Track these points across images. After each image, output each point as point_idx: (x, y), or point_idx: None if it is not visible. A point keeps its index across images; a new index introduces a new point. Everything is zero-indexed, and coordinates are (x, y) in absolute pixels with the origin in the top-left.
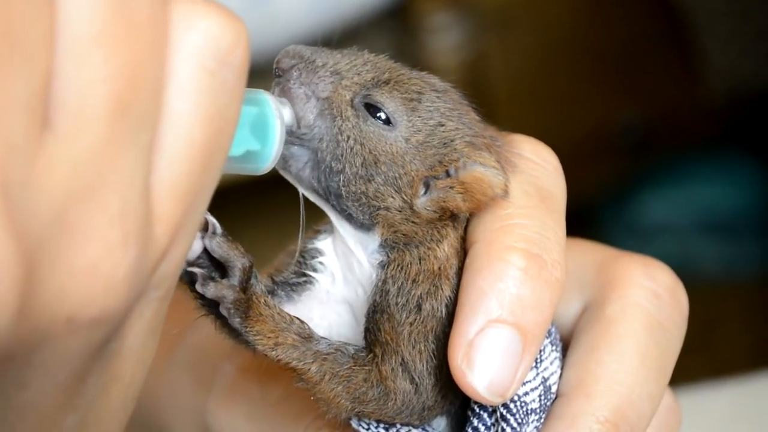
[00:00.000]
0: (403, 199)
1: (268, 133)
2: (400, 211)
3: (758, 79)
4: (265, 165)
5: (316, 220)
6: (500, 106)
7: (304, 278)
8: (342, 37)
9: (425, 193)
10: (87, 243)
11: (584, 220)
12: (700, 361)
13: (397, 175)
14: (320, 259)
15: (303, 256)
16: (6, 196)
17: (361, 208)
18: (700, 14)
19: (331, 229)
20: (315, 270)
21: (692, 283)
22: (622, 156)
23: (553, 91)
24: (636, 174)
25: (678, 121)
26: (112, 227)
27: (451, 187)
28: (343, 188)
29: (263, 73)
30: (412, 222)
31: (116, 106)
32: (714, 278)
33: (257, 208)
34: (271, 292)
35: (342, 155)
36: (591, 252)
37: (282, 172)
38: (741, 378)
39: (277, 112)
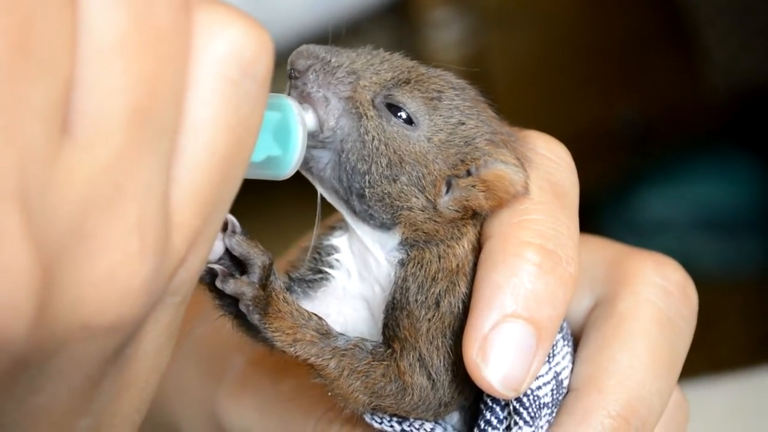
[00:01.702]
0: (427, 198)
1: (290, 139)
2: (423, 211)
3: (759, 75)
4: (286, 171)
5: (327, 216)
6: (501, 102)
7: (321, 275)
8: (343, 33)
9: (447, 192)
10: (104, 251)
11: (583, 216)
12: (699, 357)
13: (420, 174)
14: (336, 255)
15: (318, 253)
16: (25, 204)
17: (383, 208)
18: (700, 9)
19: (345, 226)
20: (331, 266)
21: (691, 279)
22: (622, 152)
23: (553, 86)
24: (635, 170)
25: (678, 117)
26: (130, 236)
27: (473, 186)
28: (367, 189)
29: None
30: (434, 221)
31: (136, 116)
32: (713, 275)
33: (258, 205)
34: (288, 289)
35: (368, 156)
36: (602, 248)
37: (303, 172)
38: (740, 374)
39: (299, 118)
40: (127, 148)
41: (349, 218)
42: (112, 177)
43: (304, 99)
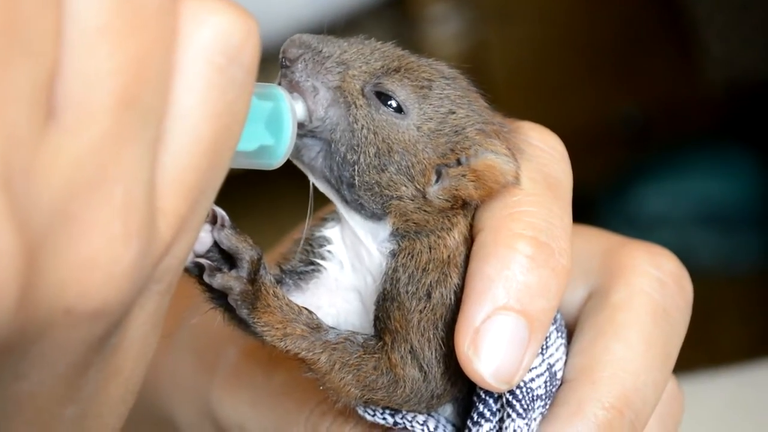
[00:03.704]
0: (416, 187)
1: (281, 129)
2: (412, 200)
3: (757, 70)
4: (277, 160)
5: (319, 207)
6: (499, 97)
7: (312, 266)
8: (341, 28)
9: (437, 181)
10: (89, 235)
11: (582, 211)
12: (698, 351)
13: (410, 163)
14: (328, 247)
15: (310, 245)
16: (8, 187)
17: (373, 198)
18: (699, 5)
19: (338, 217)
20: (323, 258)
21: (690, 274)
22: (621, 147)
23: (551, 81)
24: (634, 165)
25: (676, 112)
26: (115, 220)
27: (463, 175)
28: (356, 178)
29: (262, 62)
30: (424, 211)
31: (121, 100)
32: (711, 270)
33: (253, 197)
34: (280, 281)
35: (357, 145)
36: (596, 239)
37: (294, 161)
38: (738, 368)
39: (290, 106)
40: (112, 133)
41: (341, 207)
42: (97, 161)
43: (293, 88)
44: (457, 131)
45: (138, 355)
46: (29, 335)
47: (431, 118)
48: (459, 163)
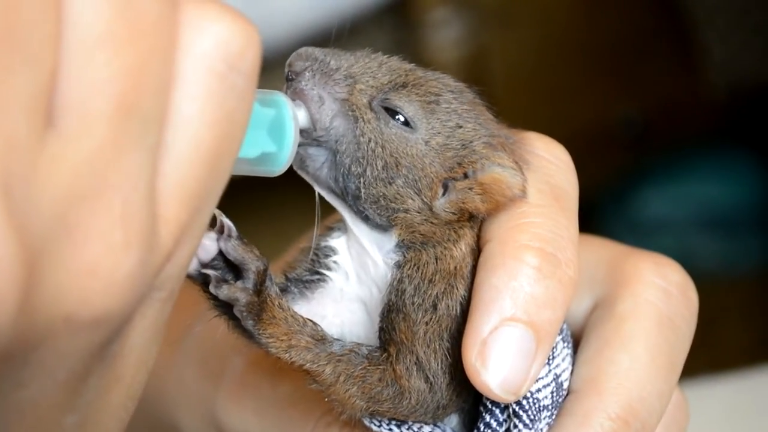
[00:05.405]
0: (423, 200)
1: (284, 135)
2: (419, 213)
3: (758, 73)
4: (280, 167)
5: (325, 216)
6: (499, 102)
7: (318, 276)
8: (342, 33)
9: (444, 194)
10: (88, 243)
11: (583, 216)
12: (699, 356)
13: (417, 177)
14: (334, 257)
15: (316, 254)
16: (8, 194)
17: (379, 210)
18: (699, 8)
19: (344, 227)
20: (329, 268)
21: (691, 278)
22: (622, 151)
23: (552, 85)
24: (635, 169)
25: (677, 116)
26: (115, 228)
27: (470, 189)
28: (362, 190)
29: (264, 68)
30: (431, 223)
31: (120, 108)
32: (713, 274)
33: (257, 204)
34: (285, 289)
35: (363, 158)
36: (601, 249)
37: (299, 172)
38: (740, 373)
39: (292, 113)
40: (111, 140)
41: (348, 216)
42: (96, 168)
43: (297, 95)
44: (464, 145)
45: (139, 362)
46: (29, 343)
47: (439, 133)
48: (466, 176)
